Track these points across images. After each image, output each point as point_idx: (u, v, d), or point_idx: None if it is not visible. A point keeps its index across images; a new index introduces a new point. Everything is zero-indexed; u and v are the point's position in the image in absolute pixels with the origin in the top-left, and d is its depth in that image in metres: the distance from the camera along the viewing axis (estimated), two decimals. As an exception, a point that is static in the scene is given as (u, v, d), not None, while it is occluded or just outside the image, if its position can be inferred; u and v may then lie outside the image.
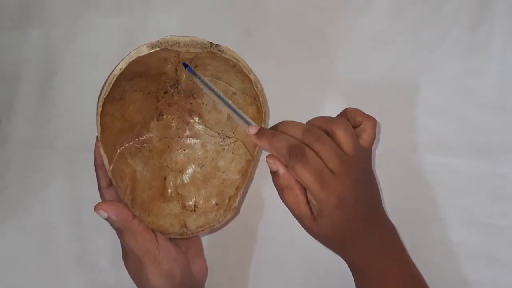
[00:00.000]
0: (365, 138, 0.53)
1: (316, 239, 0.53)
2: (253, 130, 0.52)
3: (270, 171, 0.51)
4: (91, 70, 0.71)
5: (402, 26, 0.66)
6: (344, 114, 0.54)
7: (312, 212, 0.50)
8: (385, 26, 0.67)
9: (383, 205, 0.56)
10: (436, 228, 0.62)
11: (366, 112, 0.64)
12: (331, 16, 0.68)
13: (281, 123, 0.52)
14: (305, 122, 0.64)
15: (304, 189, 0.50)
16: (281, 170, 0.50)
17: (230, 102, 0.56)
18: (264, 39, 0.69)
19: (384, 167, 0.64)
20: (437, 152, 0.63)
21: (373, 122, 0.53)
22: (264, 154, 0.65)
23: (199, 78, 0.56)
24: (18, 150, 0.73)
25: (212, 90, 0.56)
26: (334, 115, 0.63)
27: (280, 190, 0.51)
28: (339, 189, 0.48)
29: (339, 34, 0.68)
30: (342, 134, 0.50)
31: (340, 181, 0.48)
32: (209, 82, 0.56)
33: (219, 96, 0.56)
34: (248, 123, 0.54)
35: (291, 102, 0.68)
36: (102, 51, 0.72)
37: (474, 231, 0.62)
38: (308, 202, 0.50)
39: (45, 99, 0.73)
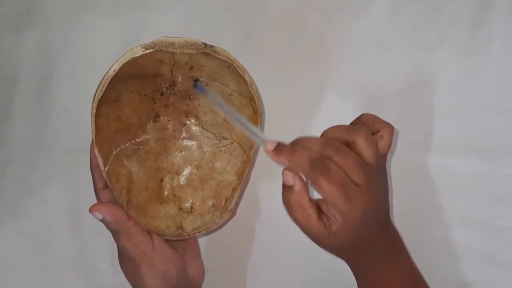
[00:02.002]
0: (382, 145, 0.51)
1: (326, 250, 0.51)
2: (271, 146, 0.49)
3: (283, 185, 0.49)
4: (89, 71, 0.70)
5: (401, 27, 0.66)
6: (361, 120, 0.53)
7: (326, 227, 0.48)
8: (385, 26, 0.66)
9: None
10: (436, 229, 0.62)
11: (365, 113, 0.64)
12: (330, 17, 0.68)
13: (298, 139, 0.50)
14: (308, 124, 0.65)
15: (316, 206, 0.48)
16: (298, 185, 0.48)
17: (243, 119, 0.52)
18: (263, 40, 0.69)
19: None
20: (437, 153, 0.63)
21: (391, 129, 0.52)
22: (261, 156, 0.65)
23: (208, 94, 0.55)
24: (16, 152, 0.73)
25: (224, 108, 0.54)
26: (333, 117, 0.63)
27: (290, 207, 0.49)
28: (364, 202, 0.47)
29: (338, 35, 0.67)
30: (364, 144, 0.48)
31: (365, 193, 0.47)
32: (221, 101, 0.54)
33: (232, 114, 0.53)
34: (264, 140, 0.50)
35: (290, 103, 0.67)
36: (100, 52, 0.72)
37: (474, 232, 0.61)
38: (319, 218, 0.48)
39: (43, 101, 0.73)
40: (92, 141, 0.53)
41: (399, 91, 0.65)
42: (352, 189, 0.46)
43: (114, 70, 0.51)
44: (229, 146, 0.62)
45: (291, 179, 0.48)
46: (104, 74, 0.51)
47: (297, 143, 0.49)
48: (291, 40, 0.68)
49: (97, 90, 0.51)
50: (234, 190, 0.60)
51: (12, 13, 0.76)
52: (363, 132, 0.49)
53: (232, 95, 0.59)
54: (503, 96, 0.62)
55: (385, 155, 0.52)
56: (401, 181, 0.63)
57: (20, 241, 0.71)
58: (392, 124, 0.62)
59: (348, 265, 0.53)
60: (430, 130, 0.63)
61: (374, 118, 0.53)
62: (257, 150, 0.63)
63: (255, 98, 0.56)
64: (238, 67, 0.54)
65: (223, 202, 0.60)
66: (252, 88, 0.55)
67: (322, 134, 0.51)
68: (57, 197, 0.71)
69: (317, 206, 0.48)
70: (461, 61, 0.63)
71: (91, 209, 0.53)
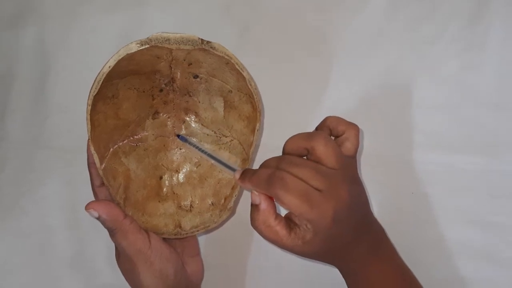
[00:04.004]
0: (348, 147, 0.51)
1: (306, 257, 0.51)
2: (237, 174, 0.51)
3: (251, 205, 0.50)
4: (85, 69, 0.69)
5: (399, 24, 0.65)
6: (325, 123, 0.53)
7: (299, 237, 0.48)
8: (382, 23, 0.66)
9: (371, 208, 0.55)
10: (435, 225, 0.62)
11: (364, 111, 0.64)
12: (328, 12, 0.67)
13: (263, 162, 0.51)
14: (307, 120, 0.65)
15: (284, 222, 0.48)
16: (263, 204, 0.48)
17: (217, 156, 0.56)
18: (261, 38, 0.68)
19: (382, 165, 0.63)
20: (435, 149, 0.63)
21: (356, 130, 0.52)
22: (260, 154, 0.65)
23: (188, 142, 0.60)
24: (13, 150, 0.72)
25: (199, 149, 0.58)
26: (331, 112, 0.63)
27: (257, 227, 0.49)
28: (331, 205, 0.46)
29: (336, 31, 0.67)
30: (322, 149, 0.48)
31: (329, 197, 0.46)
32: (196, 143, 0.60)
33: (206, 153, 0.57)
34: (233, 170, 0.53)
35: (288, 100, 0.67)
36: (97, 49, 0.71)
37: (474, 228, 0.61)
38: (290, 232, 0.48)
39: (40, 99, 0.72)
40: (89, 139, 0.52)
41: (397, 88, 0.64)
42: (314, 195, 0.46)
43: (109, 67, 0.50)
44: (229, 143, 0.61)
45: (257, 198, 0.49)
46: (99, 70, 0.51)
47: (260, 165, 0.50)
48: (288, 37, 0.68)
49: (92, 86, 0.51)
50: (233, 188, 0.59)
51: (8, 10, 0.75)
52: (320, 137, 0.48)
53: (231, 91, 0.58)
54: (501, 93, 0.62)
55: (353, 156, 0.52)
56: (400, 178, 0.63)
57: (17, 240, 0.71)
58: (390, 121, 0.63)
59: (335, 266, 0.53)
60: (428, 127, 0.63)
61: (338, 120, 0.52)
62: (256, 148, 0.62)
63: (254, 95, 0.55)
64: (236, 63, 0.53)
65: (223, 201, 0.59)
66: (250, 85, 0.54)
67: (283, 146, 0.51)
68: (54, 195, 0.70)
69: (289, 218, 0.49)
70: (459, 57, 0.63)
71: (87, 207, 0.52)
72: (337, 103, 0.65)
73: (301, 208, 0.46)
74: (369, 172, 0.63)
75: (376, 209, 0.62)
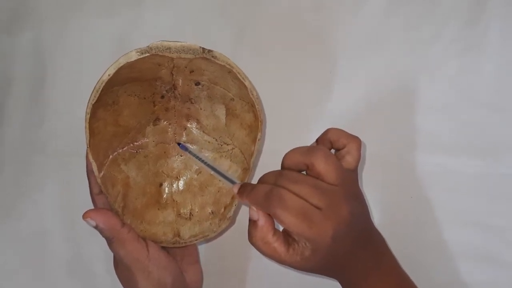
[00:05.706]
0: (349, 161, 0.50)
1: (306, 272, 0.50)
2: (235, 189, 0.51)
3: (249, 220, 0.49)
4: (83, 72, 0.69)
5: (398, 24, 0.65)
6: (326, 136, 0.52)
7: (297, 253, 0.47)
8: (382, 24, 0.66)
9: (370, 209, 0.55)
10: (434, 229, 0.62)
11: (364, 112, 0.64)
12: (326, 15, 0.67)
13: (262, 176, 0.50)
14: (308, 125, 0.65)
15: (282, 238, 0.48)
16: (262, 220, 0.48)
17: (216, 167, 0.57)
18: (260, 38, 0.68)
19: (381, 167, 0.63)
20: (435, 151, 0.63)
21: (358, 143, 0.51)
22: (261, 164, 0.64)
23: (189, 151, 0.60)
24: (10, 154, 0.71)
25: (199, 158, 0.59)
26: (332, 114, 0.63)
27: (255, 243, 0.49)
28: (331, 224, 0.46)
29: (335, 33, 0.66)
30: (323, 166, 0.47)
31: (329, 215, 0.46)
32: (196, 152, 0.60)
33: (206, 163, 0.58)
34: (232, 182, 0.53)
35: (289, 101, 0.66)
36: (94, 52, 0.70)
37: (473, 231, 0.61)
38: (288, 248, 0.47)
39: (37, 103, 0.71)
40: (87, 147, 0.51)
41: (396, 89, 0.64)
42: (313, 214, 0.45)
43: (109, 75, 0.49)
44: (230, 151, 0.60)
45: (255, 214, 0.48)
46: (99, 78, 0.50)
47: (259, 180, 0.50)
48: (287, 41, 0.67)
49: (91, 95, 0.50)
50: (233, 197, 0.58)
51: (4, 15, 0.74)
52: (320, 153, 0.48)
53: (233, 99, 0.57)
54: (500, 94, 0.62)
55: (354, 169, 0.51)
56: (400, 179, 0.63)
57: (14, 244, 0.70)
58: (389, 123, 0.64)
59: (337, 280, 0.52)
60: (427, 128, 0.63)
61: (340, 133, 0.52)
62: (257, 158, 0.61)
63: (256, 105, 0.54)
64: (238, 73, 0.52)
65: (222, 210, 0.59)
66: (252, 94, 0.53)
67: (282, 161, 0.50)
68: (51, 199, 0.69)
69: (287, 233, 0.48)
70: (458, 58, 0.64)
71: (84, 216, 0.52)
72: (337, 104, 0.65)
73: (299, 227, 0.45)
74: (368, 174, 0.63)
75: (376, 211, 0.62)
